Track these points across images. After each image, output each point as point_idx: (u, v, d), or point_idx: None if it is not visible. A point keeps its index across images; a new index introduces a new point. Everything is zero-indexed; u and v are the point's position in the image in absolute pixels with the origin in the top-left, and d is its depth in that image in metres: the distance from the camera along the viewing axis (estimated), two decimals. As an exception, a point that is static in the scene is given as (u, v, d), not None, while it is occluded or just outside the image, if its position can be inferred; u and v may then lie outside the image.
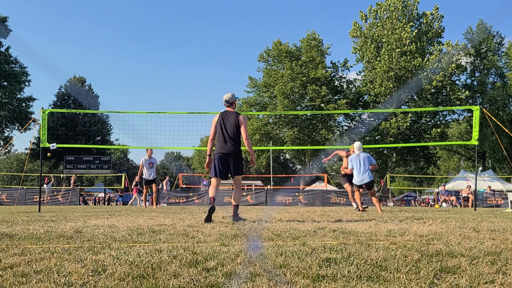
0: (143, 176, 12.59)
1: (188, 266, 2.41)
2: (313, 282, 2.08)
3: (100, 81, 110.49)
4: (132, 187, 21.69)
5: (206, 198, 19.76)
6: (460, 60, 34.38)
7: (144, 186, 12.94)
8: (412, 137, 34.11)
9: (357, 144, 9.87)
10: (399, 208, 14.93)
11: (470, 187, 22.23)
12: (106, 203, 25.17)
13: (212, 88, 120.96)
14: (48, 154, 10.72)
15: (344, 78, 37.06)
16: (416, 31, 32.27)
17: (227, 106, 6.27)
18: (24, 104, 39.35)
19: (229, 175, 6.13)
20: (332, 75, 36.11)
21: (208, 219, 5.64)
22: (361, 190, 10.05)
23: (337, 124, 36.91)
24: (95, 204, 24.65)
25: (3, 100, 37.97)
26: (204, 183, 24.96)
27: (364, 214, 8.36)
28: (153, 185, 12.62)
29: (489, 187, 23.18)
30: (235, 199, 6.19)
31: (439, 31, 33.51)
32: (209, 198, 5.92)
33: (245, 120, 6.20)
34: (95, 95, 48.41)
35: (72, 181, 22.40)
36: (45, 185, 22.40)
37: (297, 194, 19.53)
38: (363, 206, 10.42)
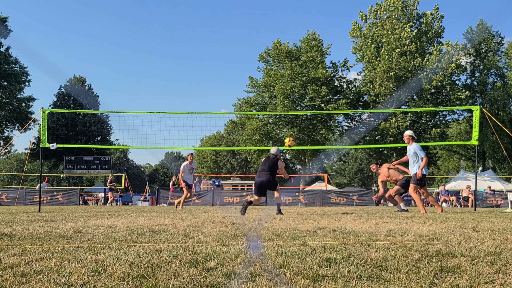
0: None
1: (188, 266, 2.41)
2: (313, 282, 2.08)
3: (100, 81, 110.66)
4: (170, 186, 21.78)
5: (206, 198, 19.79)
6: (460, 60, 34.34)
7: (184, 189, 12.73)
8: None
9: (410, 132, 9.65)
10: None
11: (470, 187, 22.24)
12: (105, 203, 25.16)
13: (212, 88, 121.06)
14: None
15: (344, 78, 37.05)
16: (416, 31, 32.26)
17: (272, 157, 8.90)
18: (24, 104, 39.33)
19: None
20: (332, 75, 36.08)
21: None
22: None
23: (337, 124, 36.89)
24: (105, 204, 24.65)
25: (3, 100, 37.96)
26: (217, 183, 24.88)
27: (364, 214, 8.35)
28: (186, 188, 12.54)
29: (489, 187, 23.17)
30: (276, 198, 8.79)
31: (439, 31, 33.49)
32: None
33: (282, 163, 8.82)
34: (95, 95, 48.42)
35: (108, 181, 22.39)
36: (43, 184, 22.43)
37: (297, 194, 19.52)
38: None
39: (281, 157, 9.33)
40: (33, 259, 2.62)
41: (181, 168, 12.51)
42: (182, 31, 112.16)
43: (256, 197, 8.67)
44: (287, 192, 20.21)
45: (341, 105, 32.70)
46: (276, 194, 8.82)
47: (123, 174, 25.84)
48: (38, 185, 22.38)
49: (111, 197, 21.73)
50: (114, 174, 35.68)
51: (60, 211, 10.07)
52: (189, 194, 12.70)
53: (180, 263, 2.49)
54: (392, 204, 11.43)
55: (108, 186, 21.93)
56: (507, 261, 2.57)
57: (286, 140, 10.24)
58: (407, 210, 10.34)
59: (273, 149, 9.03)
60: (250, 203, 8.30)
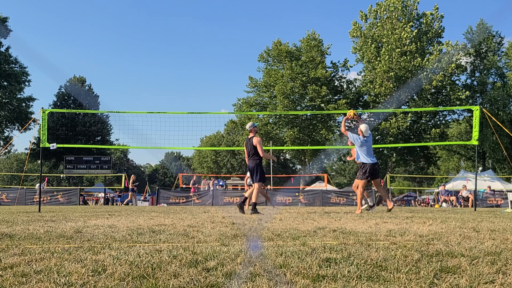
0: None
1: (188, 266, 2.41)
2: (313, 282, 2.08)
3: (100, 81, 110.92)
4: (191, 186, 21.69)
5: (206, 198, 19.78)
6: (460, 60, 34.34)
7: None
8: (412, 137, 34.09)
9: (364, 126, 9.10)
10: (399, 208, 14.93)
11: (466, 186, 22.25)
12: (106, 203, 25.17)
13: (212, 88, 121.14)
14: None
15: (344, 78, 37.05)
16: (416, 31, 32.26)
17: (248, 138, 8.67)
18: (24, 104, 39.33)
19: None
20: (332, 75, 36.09)
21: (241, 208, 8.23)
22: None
23: (337, 124, 36.89)
24: (107, 204, 24.60)
25: (3, 100, 37.96)
26: (221, 183, 24.81)
27: (364, 214, 8.34)
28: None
29: (489, 187, 23.17)
30: (251, 197, 8.51)
31: (439, 31, 33.49)
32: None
33: (256, 139, 8.41)
34: (95, 95, 48.42)
35: (131, 181, 22.20)
36: (37, 185, 22.45)
37: (297, 194, 19.52)
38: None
39: (256, 134, 8.72)
40: (33, 259, 2.62)
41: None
42: (182, 31, 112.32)
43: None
44: (287, 192, 20.21)
45: (341, 105, 32.70)
46: (253, 193, 8.41)
47: (123, 174, 25.82)
48: (37, 184, 22.40)
49: (132, 197, 21.57)
50: (113, 174, 35.70)
51: (60, 211, 10.07)
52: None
53: (180, 263, 2.49)
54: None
55: (131, 186, 21.75)
56: (507, 261, 2.57)
57: (351, 113, 9.28)
58: (372, 206, 10.08)
59: (247, 125, 8.81)
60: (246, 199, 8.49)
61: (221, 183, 24.50)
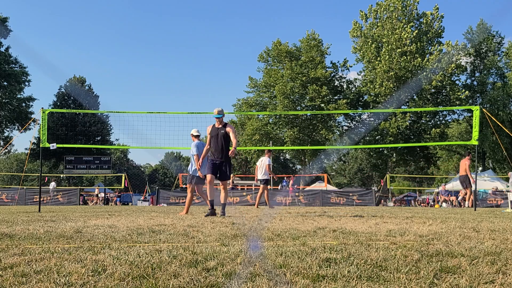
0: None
1: (188, 266, 2.41)
2: (313, 282, 2.08)
3: (100, 81, 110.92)
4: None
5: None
6: (460, 60, 34.36)
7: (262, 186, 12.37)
8: (412, 137, 34.09)
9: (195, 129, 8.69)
10: (399, 208, 14.93)
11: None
12: (105, 203, 25.17)
13: (212, 88, 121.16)
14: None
15: (344, 78, 37.07)
16: (416, 31, 32.26)
17: (218, 126, 7.49)
18: (24, 104, 39.32)
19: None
20: (332, 75, 36.10)
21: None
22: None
23: (337, 124, 36.90)
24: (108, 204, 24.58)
25: (3, 100, 37.95)
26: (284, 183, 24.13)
27: (364, 214, 8.33)
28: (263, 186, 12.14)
29: (495, 188, 22.94)
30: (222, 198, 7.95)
31: (439, 31, 33.50)
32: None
33: (230, 128, 7.37)
34: (95, 95, 48.38)
35: (231, 180, 21.83)
36: (51, 184, 22.59)
37: (297, 194, 19.52)
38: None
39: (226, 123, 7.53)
40: (33, 259, 2.62)
41: (269, 162, 12.04)
42: (182, 31, 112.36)
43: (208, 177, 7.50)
44: (287, 192, 20.19)
45: (341, 105, 32.71)
46: (222, 193, 7.70)
47: (123, 174, 25.79)
48: (52, 184, 22.56)
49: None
50: (113, 174, 35.66)
51: (60, 211, 10.07)
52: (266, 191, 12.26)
53: (180, 263, 2.49)
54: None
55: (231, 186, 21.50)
56: (507, 261, 2.57)
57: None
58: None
59: (216, 110, 7.36)
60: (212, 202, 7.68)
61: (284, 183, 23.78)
